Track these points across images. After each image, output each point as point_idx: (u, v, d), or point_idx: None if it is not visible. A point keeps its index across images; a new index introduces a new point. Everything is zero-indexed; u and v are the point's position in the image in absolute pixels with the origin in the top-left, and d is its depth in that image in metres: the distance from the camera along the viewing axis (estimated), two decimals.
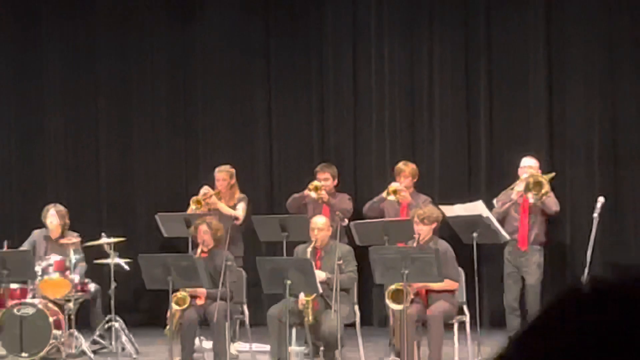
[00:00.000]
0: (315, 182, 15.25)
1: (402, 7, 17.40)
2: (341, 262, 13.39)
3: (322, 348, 13.57)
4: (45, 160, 18.08)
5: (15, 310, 14.35)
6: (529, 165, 14.61)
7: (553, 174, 14.72)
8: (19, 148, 18.15)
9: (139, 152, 18.02)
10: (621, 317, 0.92)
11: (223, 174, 15.65)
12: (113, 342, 15.06)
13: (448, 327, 13.19)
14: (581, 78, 16.87)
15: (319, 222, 13.79)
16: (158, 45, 18.02)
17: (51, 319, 14.32)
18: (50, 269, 14.86)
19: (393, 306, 13.14)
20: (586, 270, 14.08)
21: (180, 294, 13.43)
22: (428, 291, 13.19)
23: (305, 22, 17.72)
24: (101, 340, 15.17)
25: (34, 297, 14.70)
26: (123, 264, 15.09)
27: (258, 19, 17.80)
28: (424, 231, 13.30)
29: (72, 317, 14.80)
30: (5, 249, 14.82)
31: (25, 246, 15.28)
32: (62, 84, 18.04)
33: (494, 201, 14.71)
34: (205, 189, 15.53)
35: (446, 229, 13.96)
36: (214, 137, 17.66)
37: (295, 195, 15.46)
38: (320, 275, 13.19)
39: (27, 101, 18.16)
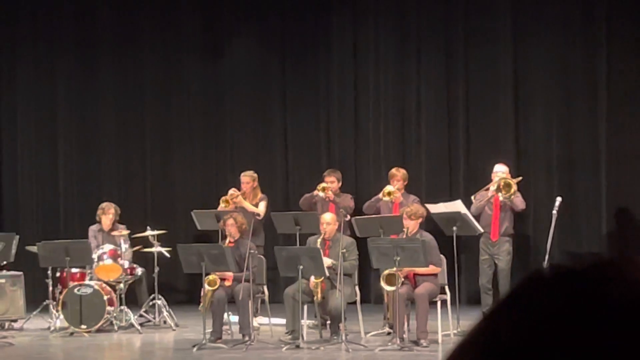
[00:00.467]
0: (323, 184, 15.18)
1: (395, 42, 17.37)
2: (345, 251, 13.32)
3: (328, 321, 13.50)
4: (101, 167, 18.07)
5: (75, 290, 14.35)
6: (500, 170, 14.62)
7: (520, 178, 14.70)
8: (79, 157, 18.14)
9: (178, 161, 18.00)
10: (576, 295, 0.91)
11: (247, 178, 15.60)
12: (156, 317, 15.03)
13: (432, 304, 13.11)
14: (542, 101, 16.92)
15: (327, 217, 13.75)
16: (194, 75, 17.99)
17: (105, 297, 14.34)
18: (105, 256, 14.86)
19: (387, 287, 13.10)
20: (547, 257, 14.10)
21: (212, 276, 13.37)
22: (415, 275, 13.09)
23: (314, 54, 17.69)
24: (146, 315, 15.11)
25: (91, 279, 14.69)
26: (164, 252, 15.08)
27: (276, 52, 17.78)
28: (411, 225, 13.23)
29: (123, 295, 14.79)
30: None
31: (85, 238, 15.23)
32: (116, 105, 18.03)
33: (472, 197, 14.68)
34: (232, 191, 15.49)
35: (431, 223, 13.92)
36: (240, 148, 17.64)
37: (307, 195, 15.39)
38: (327, 261, 13.11)
39: (87, 120, 18.16)
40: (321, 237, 13.54)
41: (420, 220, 13.32)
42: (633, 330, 0.89)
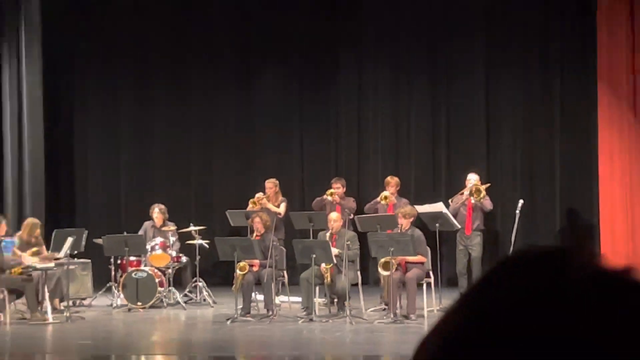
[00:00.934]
0: (331, 190, 15.18)
1: (390, 77, 17.34)
2: (349, 242, 13.28)
3: (336, 300, 13.52)
4: (154, 175, 18.06)
5: (133, 274, 14.36)
6: (472, 178, 14.61)
7: (488, 184, 14.70)
8: (137, 167, 18.17)
9: (216, 170, 17.97)
10: (538, 276, 0.90)
11: (270, 184, 15.61)
12: (197, 296, 15.03)
13: (419, 286, 13.10)
14: (508, 124, 16.90)
15: (334, 216, 13.73)
16: (230, 102, 17.93)
17: (157, 280, 14.36)
18: (156, 247, 14.91)
19: (383, 272, 13.09)
20: (511, 248, 14.04)
21: (242, 263, 13.35)
22: (406, 262, 13.07)
23: (326, 86, 17.62)
24: (190, 294, 15.11)
25: (145, 265, 14.70)
26: (204, 244, 15.09)
27: (295, 85, 17.72)
28: (405, 223, 13.24)
29: (171, 279, 14.81)
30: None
31: (140, 232, 15.28)
32: (167, 125, 18.05)
33: (450, 201, 14.68)
34: (259, 194, 15.49)
35: (418, 221, 13.87)
36: (265, 160, 17.54)
37: (318, 198, 15.38)
38: (334, 251, 13.10)
39: (143, 137, 18.19)
40: (329, 232, 13.54)
41: (412, 219, 13.31)
42: (587, 304, 0.88)
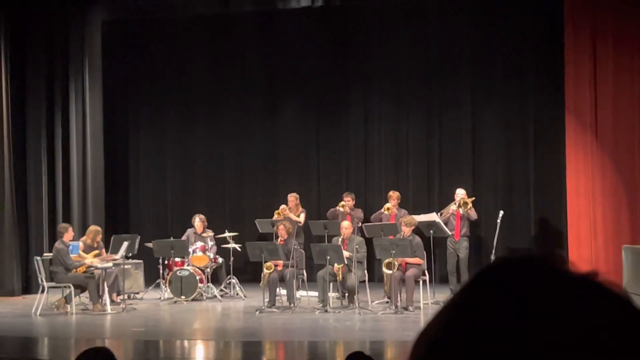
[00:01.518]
0: (343, 202, 15.18)
1: (391, 107, 17.29)
2: (357, 246, 13.27)
3: (346, 294, 13.51)
4: (196, 189, 18.12)
5: (178, 273, 14.37)
6: (460, 193, 14.55)
7: (473, 198, 14.67)
8: (181, 182, 18.22)
9: (247, 186, 17.95)
10: (517, 280, 0.90)
11: (292, 197, 15.61)
12: (231, 290, 15.04)
13: (417, 282, 13.07)
14: (490, 146, 16.80)
15: (345, 224, 13.70)
16: (258, 129, 17.95)
17: (197, 277, 14.35)
18: (197, 250, 14.88)
19: (386, 271, 13.06)
20: (493, 251, 14.00)
21: (268, 263, 13.38)
22: (406, 263, 13.05)
23: (338, 115, 17.62)
24: (225, 289, 15.12)
25: (188, 265, 14.68)
26: (237, 247, 15.08)
27: (312, 114, 17.71)
28: (406, 230, 13.19)
29: (209, 276, 14.80)
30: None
31: (183, 238, 15.29)
32: (206, 148, 18.08)
33: (439, 214, 14.56)
34: (282, 206, 15.51)
35: (416, 228, 13.81)
36: (288, 177, 17.56)
37: (332, 209, 15.35)
38: (346, 254, 13.10)
39: (186, 156, 18.24)
40: (341, 237, 13.51)
41: (413, 227, 13.26)
42: (558, 305, 0.88)
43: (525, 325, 0.87)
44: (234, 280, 14.97)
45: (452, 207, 14.41)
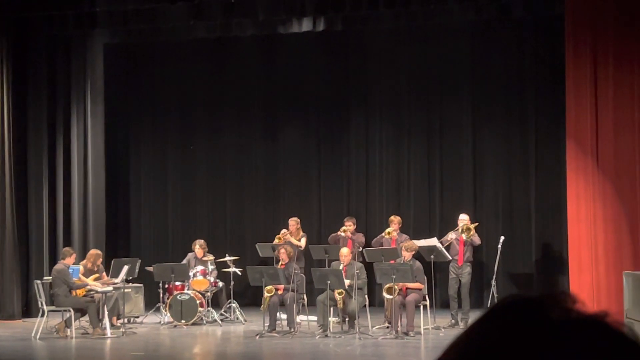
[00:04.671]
0: (344, 227, 15.20)
1: (392, 130, 17.39)
2: (358, 272, 13.31)
3: (347, 319, 13.53)
4: (197, 214, 18.17)
5: (178, 296, 14.39)
6: (463, 218, 14.45)
7: (477, 223, 14.61)
8: (182, 207, 18.27)
9: (247, 210, 18.01)
10: (528, 317, 0.91)
11: (293, 221, 15.62)
12: (231, 315, 15.04)
13: (417, 308, 13.08)
14: (492, 172, 16.90)
15: (344, 251, 13.67)
16: (259, 153, 18.04)
17: (197, 301, 14.36)
18: (198, 274, 14.90)
19: (387, 296, 13.06)
20: (494, 277, 14.02)
21: (269, 287, 13.39)
22: (406, 288, 13.06)
23: (339, 138, 17.71)
24: (225, 314, 15.12)
25: (188, 289, 14.70)
26: (237, 271, 15.10)
27: (313, 138, 17.82)
28: (407, 255, 13.20)
29: (209, 300, 14.81)
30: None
31: (184, 262, 15.34)
32: (207, 173, 18.16)
33: (440, 241, 14.53)
34: (283, 230, 15.53)
35: (417, 253, 13.80)
36: (289, 202, 17.64)
37: (333, 234, 15.33)
38: (346, 281, 13.12)
39: (186, 182, 18.30)
40: (341, 263, 13.52)
41: (413, 252, 13.27)
42: (569, 345, 0.88)
43: None
44: (234, 305, 14.98)
45: (451, 235, 14.31)
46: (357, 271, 13.27)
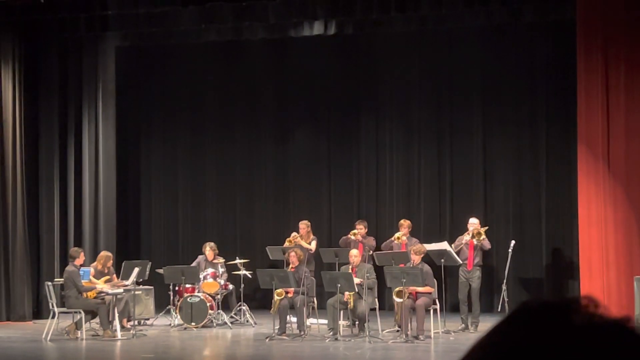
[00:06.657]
0: (355, 230, 15.20)
1: (403, 135, 17.39)
2: (368, 274, 13.32)
3: (357, 322, 13.54)
4: (207, 217, 18.20)
5: (188, 299, 14.40)
6: (473, 222, 14.44)
7: (486, 227, 14.58)
8: (192, 210, 18.31)
9: (258, 213, 18.01)
10: (554, 327, 0.90)
11: (303, 224, 15.63)
12: (241, 317, 15.06)
13: (427, 311, 13.09)
14: (502, 176, 16.88)
15: (354, 252, 13.73)
16: (269, 155, 18.05)
17: (208, 304, 14.37)
18: (208, 276, 14.93)
19: (396, 299, 13.11)
20: (504, 281, 14.00)
21: (279, 290, 13.39)
22: (416, 292, 13.07)
23: (350, 142, 17.70)
24: (235, 316, 15.14)
25: (198, 291, 14.72)
26: (248, 274, 15.11)
27: (324, 140, 17.82)
28: (416, 259, 13.23)
29: (219, 303, 14.84)
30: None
31: (194, 264, 15.35)
32: (218, 176, 18.17)
33: (452, 245, 14.51)
34: (293, 234, 15.53)
35: (426, 257, 13.82)
36: (299, 205, 17.63)
37: (344, 237, 15.36)
38: (356, 280, 13.14)
39: (197, 186, 18.33)
40: (351, 265, 13.54)
41: (422, 255, 13.29)
42: (596, 346, 0.88)
43: None
44: (245, 307, 15.00)
45: (466, 237, 14.29)
46: (368, 274, 13.29)
